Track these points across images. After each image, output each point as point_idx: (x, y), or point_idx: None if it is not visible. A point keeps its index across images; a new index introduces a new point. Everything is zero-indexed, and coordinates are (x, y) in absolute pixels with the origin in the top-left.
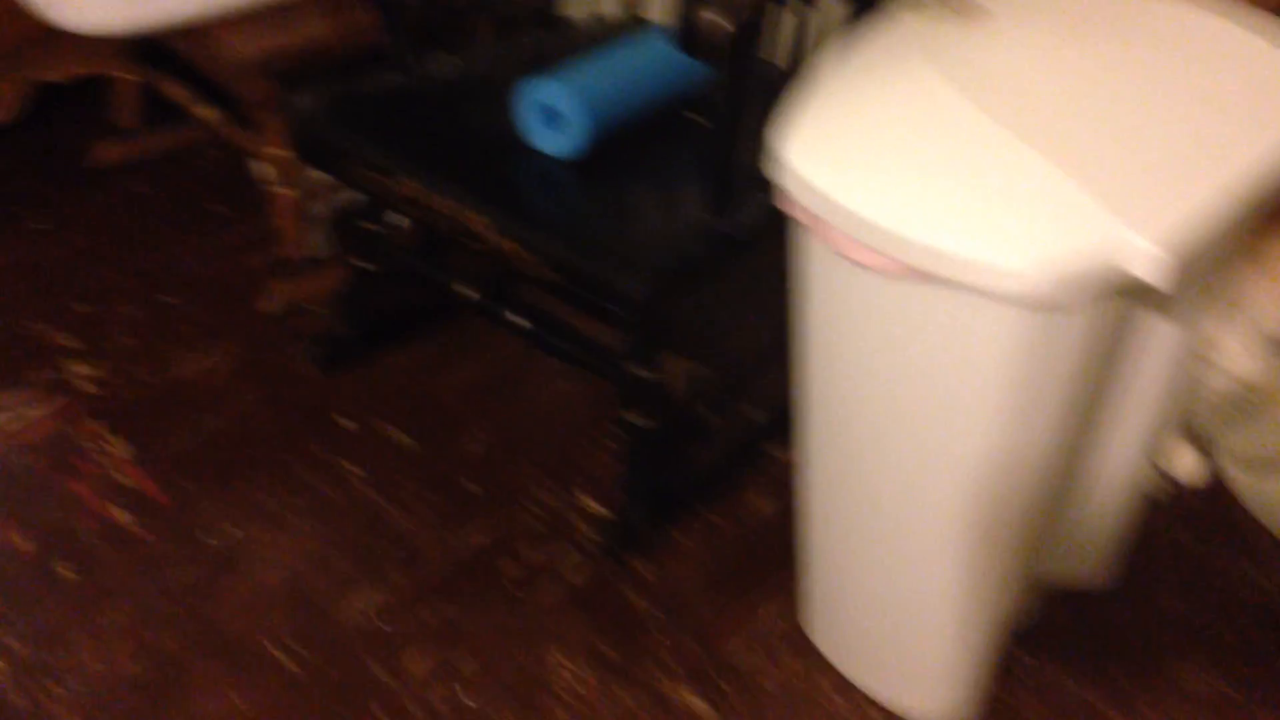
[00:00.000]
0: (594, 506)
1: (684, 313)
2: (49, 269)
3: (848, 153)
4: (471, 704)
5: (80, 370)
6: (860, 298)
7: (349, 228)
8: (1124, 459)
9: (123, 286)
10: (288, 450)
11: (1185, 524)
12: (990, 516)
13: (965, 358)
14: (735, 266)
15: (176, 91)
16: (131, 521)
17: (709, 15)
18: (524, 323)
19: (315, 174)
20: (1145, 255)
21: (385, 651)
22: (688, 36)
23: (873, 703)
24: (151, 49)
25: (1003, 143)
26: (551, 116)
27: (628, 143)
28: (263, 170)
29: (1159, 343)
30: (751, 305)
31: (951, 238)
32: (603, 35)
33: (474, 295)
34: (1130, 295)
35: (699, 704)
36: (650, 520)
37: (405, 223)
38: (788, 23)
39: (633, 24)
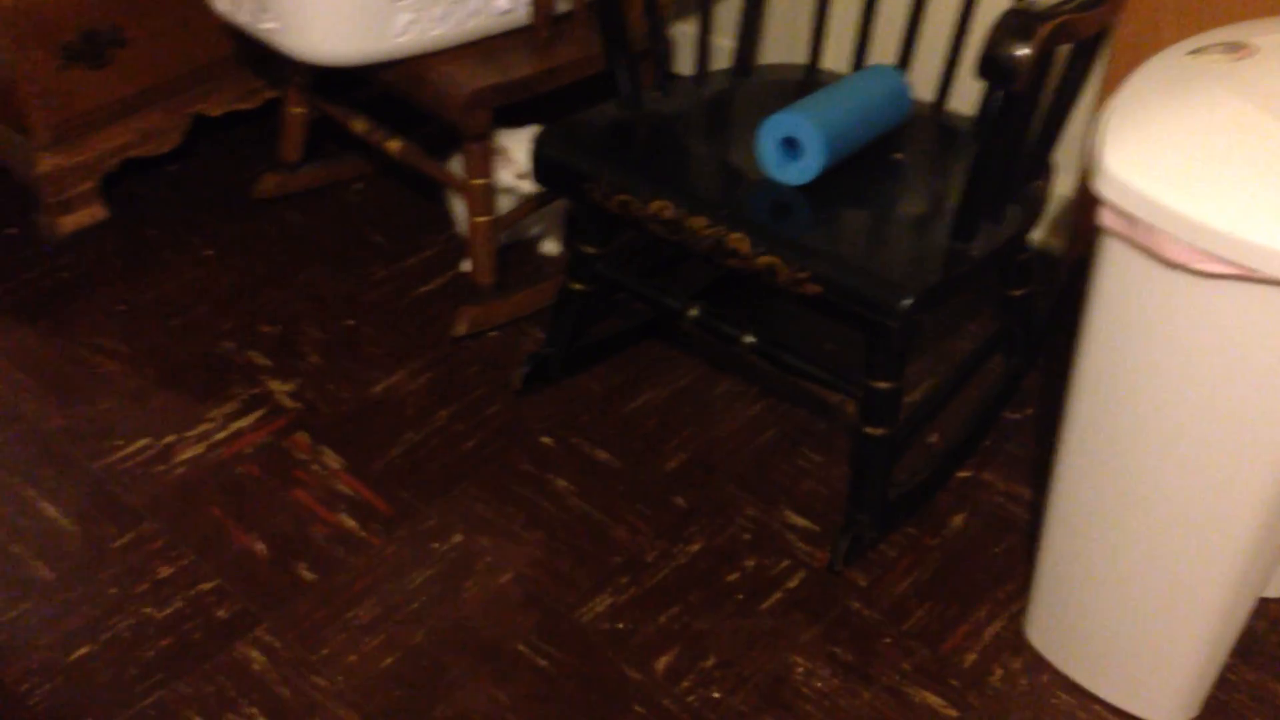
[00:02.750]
0: (797, 519)
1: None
2: (225, 293)
3: (1172, 167)
4: (720, 697)
5: (277, 386)
6: (1172, 302)
7: (571, 251)
8: None
9: (302, 310)
10: (494, 464)
11: None
12: (1273, 520)
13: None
14: (969, 289)
15: (357, 124)
16: (358, 528)
17: (1009, 40)
18: (749, 338)
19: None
20: None
21: (628, 650)
22: (985, 60)
23: (1096, 699)
24: (323, 85)
25: None
26: (789, 147)
27: (845, 174)
28: (456, 200)
29: None
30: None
31: None
32: (784, 83)
33: (694, 312)
34: None
35: (937, 700)
36: (876, 530)
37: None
38: None
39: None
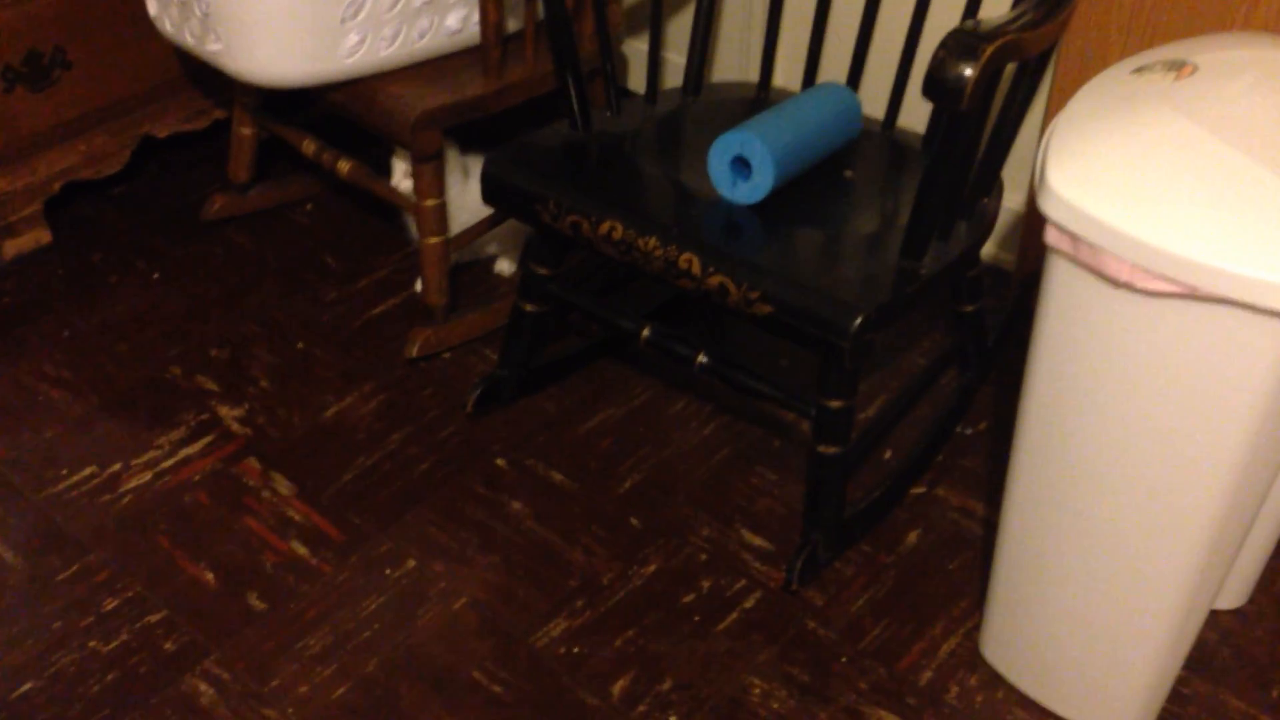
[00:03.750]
0: (753, 538)
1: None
2: (172, 317)
3: (1115, 186)
4: None
5: (227, 412)
6: (1116, 320)
7: (522, 271)
8: None
9: (251, 333)
10: (447, 487)
11: None
12: (1222, 535)
13: (1227, 372)
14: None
15: (307, 145)
16: (309, 555)
17: (954, 61)
18: (702, 358)
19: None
20: None
21: (583, 674)
22: (930, 81)
23: (1051, 714)
24: (272, 105)
25: (1257, 174)
26: (740, 166)
27: (795, 193)
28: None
29: None
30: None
31: (1233, 260)
32: (733, 101)
33: (646, 332)
34: None
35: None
36: (831, 548)
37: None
38: None
39: (755, 93)
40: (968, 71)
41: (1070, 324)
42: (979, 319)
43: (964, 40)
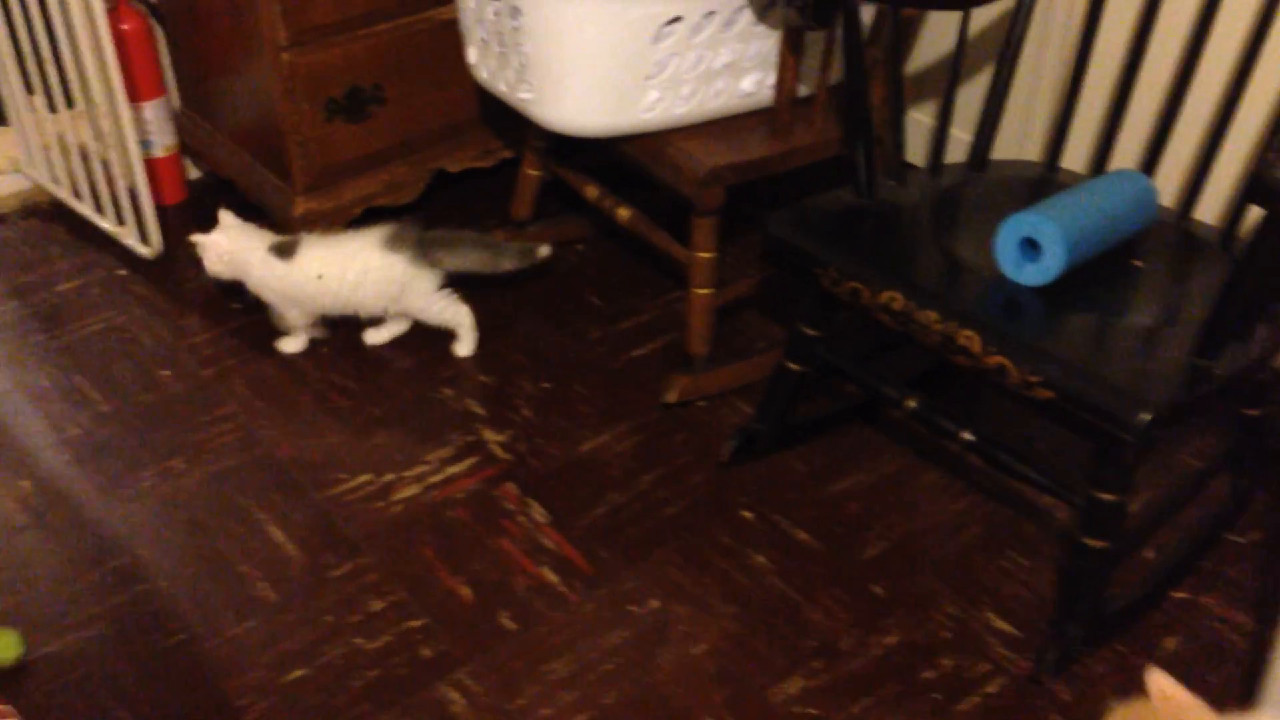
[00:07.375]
0: (1000, 623)
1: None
2: (447, 340)
3: None
4: None
5: (491, 436)
6: None
7: (791, 332)
8: None
9: (518, 363)
10: (693, 533)
11: None
12: None
13: None
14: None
15: (589, 190)
16: (559, 582)
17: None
18: (968, 435)
19: None
20: None
21: None
22: (1256, 182)
23: None
24: (558, 150)
25: None
26: (1029, 247)
27: (1081, 278)
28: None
29: None
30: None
31: None
32: (1020, 182)
33: (911, 403)
34: None
35: None
36: (1085, 643)
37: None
38: None
39: (1045, 174)
40: None
41: None
42: (1262, 424)
43: None
